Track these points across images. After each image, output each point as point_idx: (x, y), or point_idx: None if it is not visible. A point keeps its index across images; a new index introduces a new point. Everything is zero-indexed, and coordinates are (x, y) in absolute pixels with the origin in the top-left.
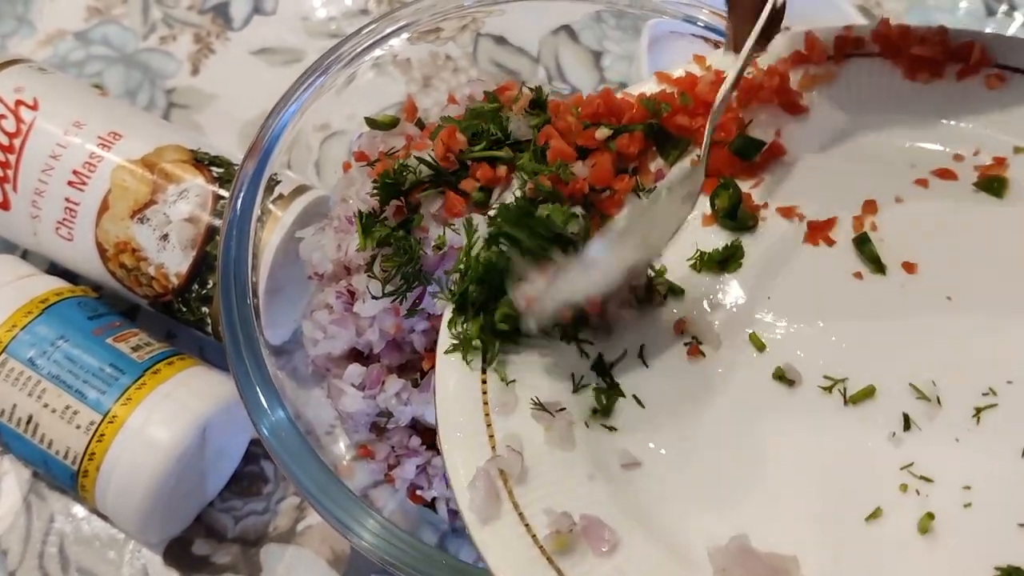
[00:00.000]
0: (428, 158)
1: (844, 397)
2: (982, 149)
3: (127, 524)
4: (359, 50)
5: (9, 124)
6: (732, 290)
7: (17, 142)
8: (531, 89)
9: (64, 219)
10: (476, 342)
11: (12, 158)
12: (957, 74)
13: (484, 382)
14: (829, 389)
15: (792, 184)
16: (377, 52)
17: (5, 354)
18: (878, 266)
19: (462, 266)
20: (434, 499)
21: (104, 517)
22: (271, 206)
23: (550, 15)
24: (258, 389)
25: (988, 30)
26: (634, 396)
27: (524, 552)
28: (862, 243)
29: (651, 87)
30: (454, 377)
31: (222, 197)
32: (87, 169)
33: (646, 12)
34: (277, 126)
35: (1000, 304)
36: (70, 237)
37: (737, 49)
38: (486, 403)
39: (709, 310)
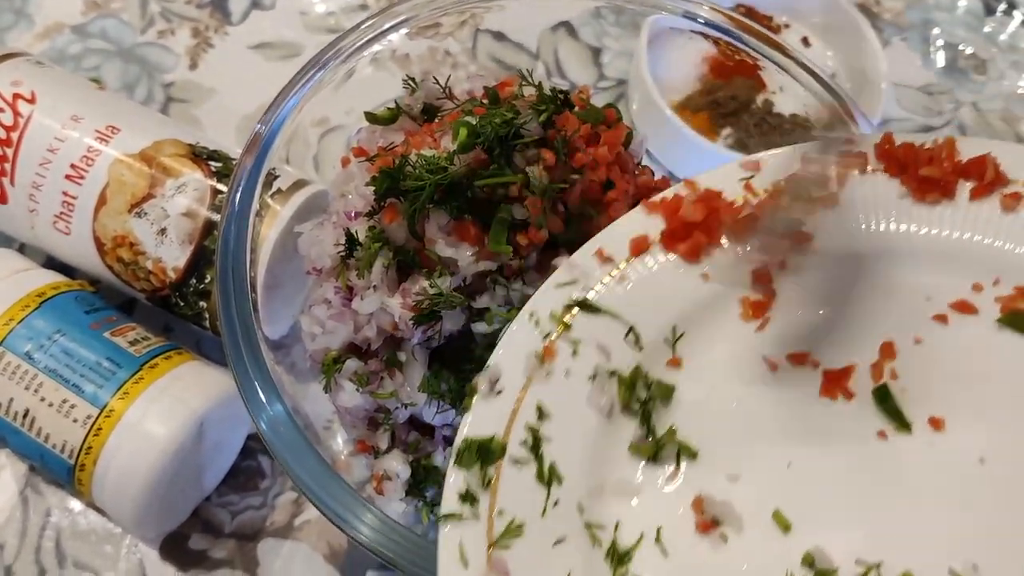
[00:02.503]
0: (434, 157)
1: None
2: (1002, 278)
3: (124, 518)
4: (358, 45)
5: (7, 118)
6: (750, 457)
7: (15, 136)
8: (533, 85)
9: (62, 213)
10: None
11: (10, 152)
12: (970, 193)
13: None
14: None
15: (802, 324)
16: (376, 47)
17: (2, 348)
18: (902, 423)
19: None
20: None
21: (101, 511)
22: (269, 200)
23: (549, 11)
24: (256, 383)
25: (987, 29)
26: None
27: None
28: (883, 397)
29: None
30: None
31: (220, 191)
32: (85, 163)
33: (645, 8)
34: (275, 121)
35: None
36: (67, 231)
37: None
38: None
39: (727, 482)
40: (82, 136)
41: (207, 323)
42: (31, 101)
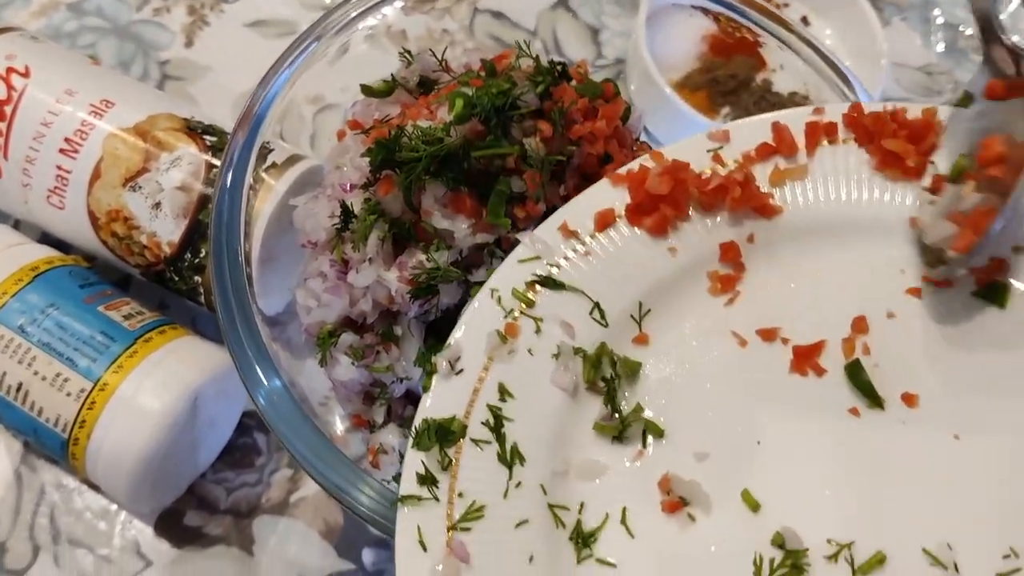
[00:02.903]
0: (430, 128)
1: (852, 567)
2: None
3: (118, 493)
4: (352, 16)
5: (0, 91)
6: (718, 435)
7: (8, 109)
8: (530, 56)
9: (56, 187)
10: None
11: (3, 126)
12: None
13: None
14: (835, 556)
15: (771, 300)
16: (370, 20)
17: None
18: (875, 400)
19: None
20: None
21: (94, 487)
22: (264, 175)
23: None
24: (251, 354)
25: None
26: (621, 572)
27: None
28: (855, 372)
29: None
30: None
31: (215, 165)
32: (79, 137)
33: None
34: (268, 94)
35: (1015, 441)
36: (61, 206)
37: None
38: None
39: (695, 461)
40: (76, 110)
41: (202, 298)
42: (25, 75)
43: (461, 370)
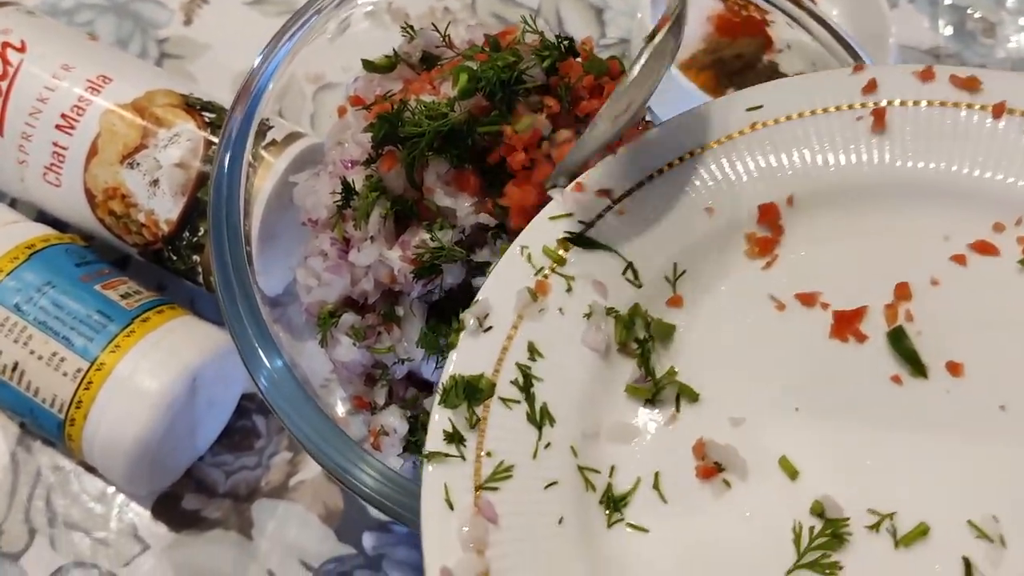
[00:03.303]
0: (434, 103)
1: (894, 537)
2: None
3: (115, 474)
4: None
5: None
6: (754, 401)
7: (3, 85)
8: (536, 31)
9: (52, 164)
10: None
11: None
12: (993, 110)
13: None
14: (876, 527)
15: (810, 264)
16: None
17: None
18: (918, 368)
19: None
20: None
21: (91, 469)
22: (264, 152)
23: None
24: (252, 335)
25: None
26: (653, 538)
27: None
28: (898, 339)
29: None
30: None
31: (214, 142)
32: (75, 113)
33: None
34: (267, 67)
35: None
36: (58, 183)
37: None
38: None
39: (730, 427)
40: (72, 86)
41: (200, 278)
42: (21, 50)
43: (489, 327)
